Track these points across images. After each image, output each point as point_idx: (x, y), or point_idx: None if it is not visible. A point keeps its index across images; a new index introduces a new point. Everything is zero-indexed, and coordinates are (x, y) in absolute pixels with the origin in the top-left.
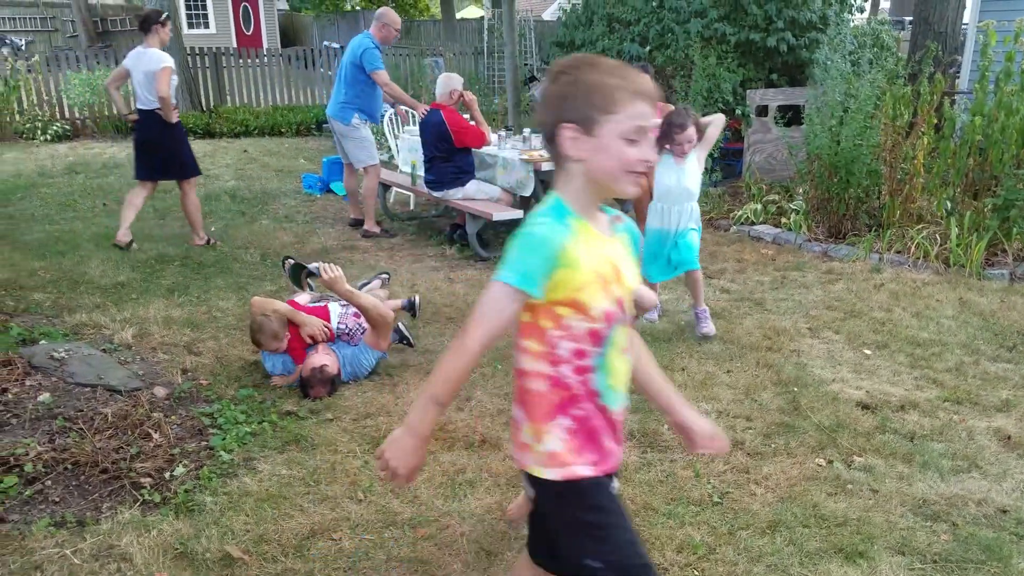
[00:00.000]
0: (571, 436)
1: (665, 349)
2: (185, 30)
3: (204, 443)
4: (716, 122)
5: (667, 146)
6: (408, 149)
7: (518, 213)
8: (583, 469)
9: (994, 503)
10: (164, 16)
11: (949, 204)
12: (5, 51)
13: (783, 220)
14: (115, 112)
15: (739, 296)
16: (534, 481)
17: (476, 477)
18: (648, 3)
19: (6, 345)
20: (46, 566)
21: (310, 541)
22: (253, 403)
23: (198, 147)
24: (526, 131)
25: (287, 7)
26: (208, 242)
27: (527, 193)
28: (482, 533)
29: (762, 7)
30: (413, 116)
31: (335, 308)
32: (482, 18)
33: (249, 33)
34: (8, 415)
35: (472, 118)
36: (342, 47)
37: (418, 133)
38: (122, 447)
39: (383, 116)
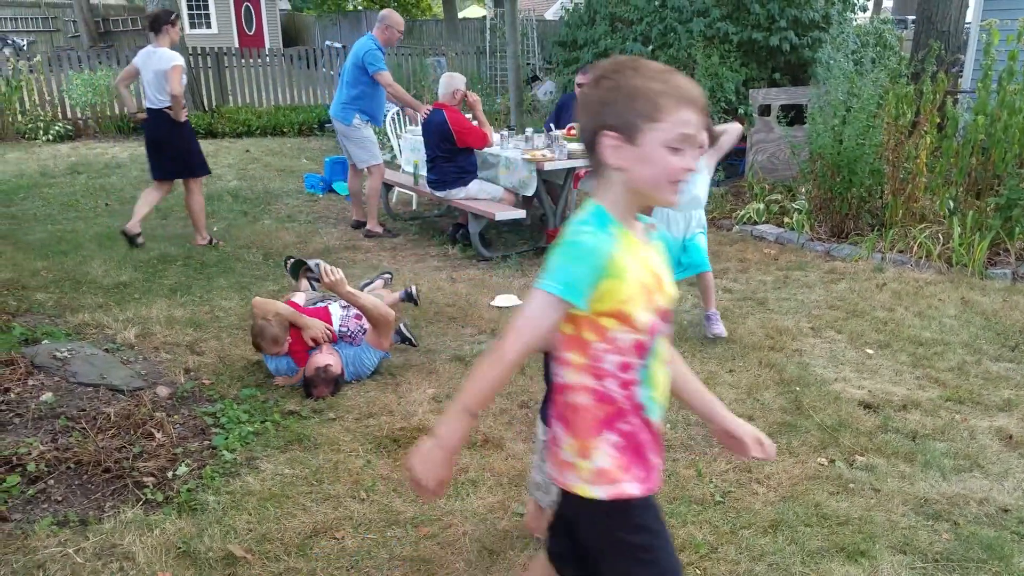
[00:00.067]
0: (619, 452)
1: None
2: (187, 30)
3: (207, 442)
4: (731, 131)
5: None
6: (410, 149)
7: (520, 213)
8: (632, 487)
9: (996, 502)
10: (174, 16)
11: (952, 203)
12: (7, 51)
13: (786, 220)
14: (118, 112)
15: (741, 295)
16: (576, 500)
17: (479, 476)
18: (651, 2)
19: (9, 345)
20: (48, 565)
21: (312, 540)
22: (256, 402)
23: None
24: (528, 130)
25: (289, 7)
26: (210, 242)
27: (529, 193)
28: (484, 532)
29: (765, 6)
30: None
31: (336, 310)
32: (484, 18)
33: (251, 33)
34: (11, 414)
35: (475, 118)
36: (344, 47)
37: (420, 133)
38: (125, 446)
39: (386, 116)
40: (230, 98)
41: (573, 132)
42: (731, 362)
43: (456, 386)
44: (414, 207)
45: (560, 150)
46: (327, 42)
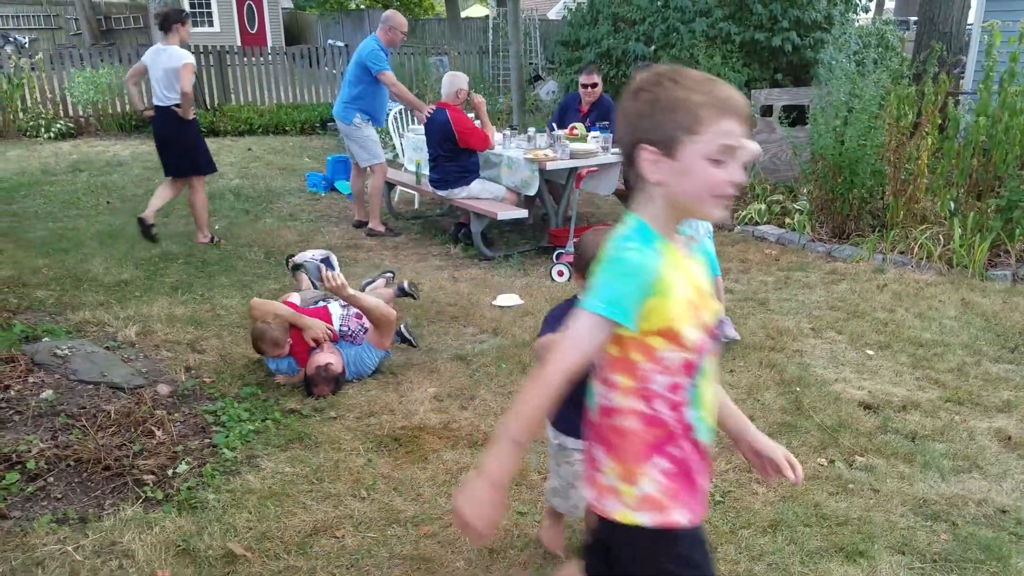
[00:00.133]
0: (669, 478)
1: None
2: (189, 28)
3: (207, 440)
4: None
5: None
6: (413, 148)
7: (523, 212)
8: (680, 516)
9: (994, 503)
10: (185, 15)
11: (952, 205)
12: (8, 49)
13: (787, 220)
14: (120, 110)
15: (743, 296)
16: (616, 527)
17: None
18: (653, 2)
19: (9, 342)
20: (48, 563)
21: (313, 538)
22: (256, 401)
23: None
24: (531, 130)
25: (291, 6)
26: (212, 240)
27: (532, 192)
28: None
29: (767, 7)
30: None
31: (336, 309)
32: (487, 17)
33: (253, 32)
34: (11, 412)
35: (478, 120)
36: (346, 46)
37: (423, 132)
38: (125, 444)
39: (388, 114)
40: (232, 96)
41: (575, 132)
42: (732, 362)
43: (457, 385)
44: (416, 206)
45: (562, 150)
46: (329, 41)
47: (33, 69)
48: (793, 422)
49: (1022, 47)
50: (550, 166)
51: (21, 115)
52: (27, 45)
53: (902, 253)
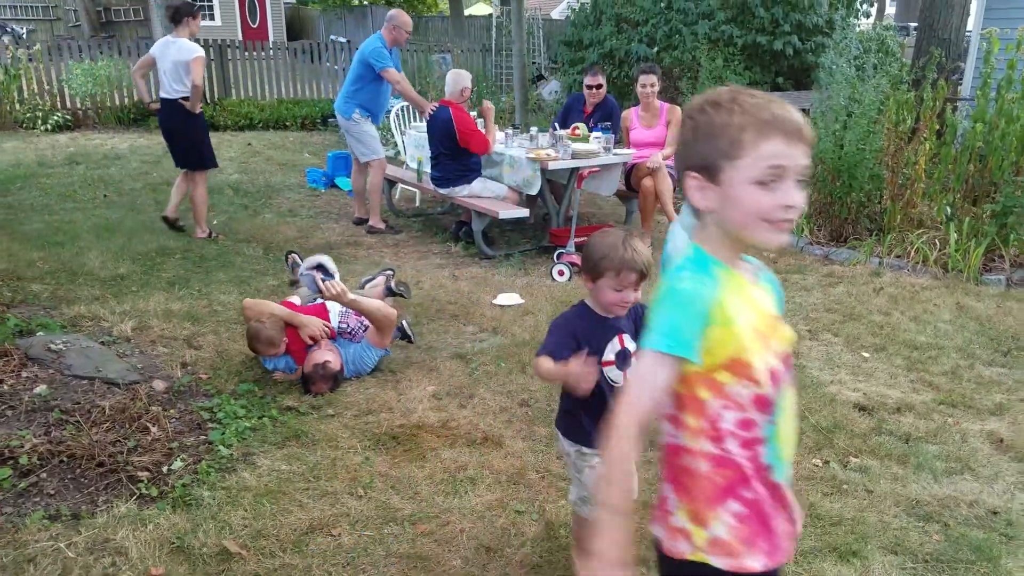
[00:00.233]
0: (741, 523)
1: None
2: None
3: (203, 437)
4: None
5: None
6: (414, 145)
7: (524, 212)
8: (754, 562)
9: (985, 504)
10: (196, 8)
11: (949, 209)
12: (6, 39)
13: None
14: (118, 103)
15: None
16: (685, 566)
17: (477, 474)
18: (656, 4)
19: (3, 336)
20: (39, 559)
21: (308, 536)
22: (253, 398)
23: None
24: (533, 129)
25: (294, 0)
26: (210, 235)
27: (533, 192)
28: (482, 530)
29: (769, 10)
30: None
31: (334, 306)
32: (490, 15)
33: (255, 26)
34: (4, 407)
35: (484, 124)
36: (349, 42)
37: (424, 129)
38: (119, 440)
39: (389, 111)
40: (232, 91)
41: (577, 132)
42: None
43: (456, 383)
44: (417, 204)
45: (564, 150)
46: (332, 36)
47: (31, 60)
48: None
49: (1020, 54)
50: (552, 166)
51: (18, 106)
52: (24, 36)
53: (899, 257)
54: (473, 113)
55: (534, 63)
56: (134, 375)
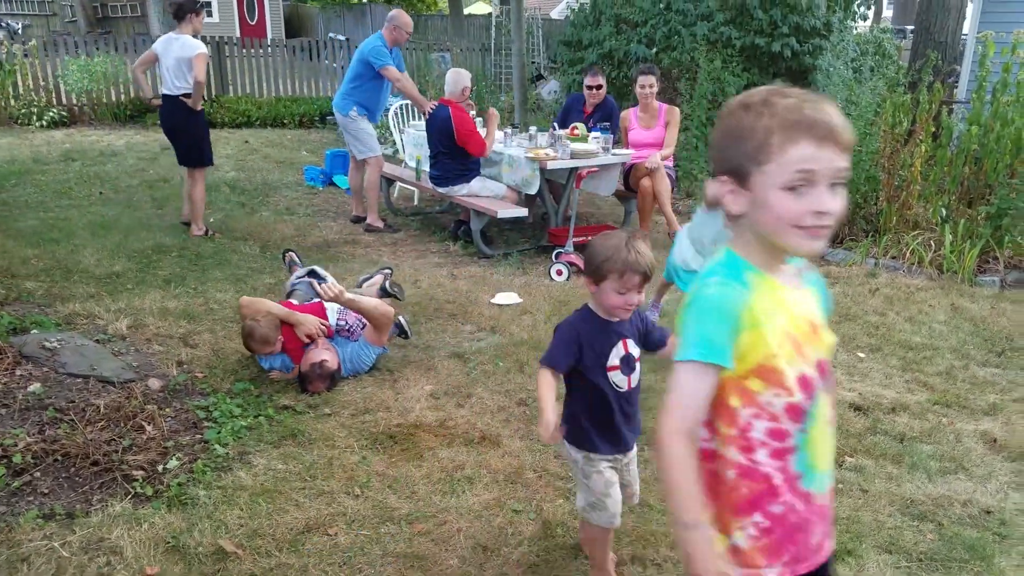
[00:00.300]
0: (763, 534)
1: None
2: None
3: (198, 436)
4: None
5: None
6: (413, 144)
7: (523, 211)
8: (770, 572)
9: (979, 504)
10: (199, 4)
11: (944, 211)
12: (1, 35)
13: None
14: (114, 99)
15: None
16: None
17: (475, 474)
18: (655, 4)
19: None
20: (33, 559)
21: (305, 536)
22: (249, 397)
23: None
24: (532, 129)
25: None
26: (207, 233)
27: (532, 191)
28: (479, 529)
29: (767, 12)
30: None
31: (331, 304)
32: (490, 15)
33: (253, 23)
34: None
35: (485, 127)
36: (347, 40)
37: (423, 128)
38: (114, 439)
39: (388, 109)
40: (230, 88)
41: (576, 132)
42: None
43: (454, 383)
44: (416, 202)
45: (563, 150)
46: (331, 34)
47: (26, 56)
48: None
49: (1015, 58)
50: (551, 165)
51: (12, 102)
52: (20, 31)
53: (894, 258)
54: (473, 113)
55: (533, 63)
56: (129, 373)
